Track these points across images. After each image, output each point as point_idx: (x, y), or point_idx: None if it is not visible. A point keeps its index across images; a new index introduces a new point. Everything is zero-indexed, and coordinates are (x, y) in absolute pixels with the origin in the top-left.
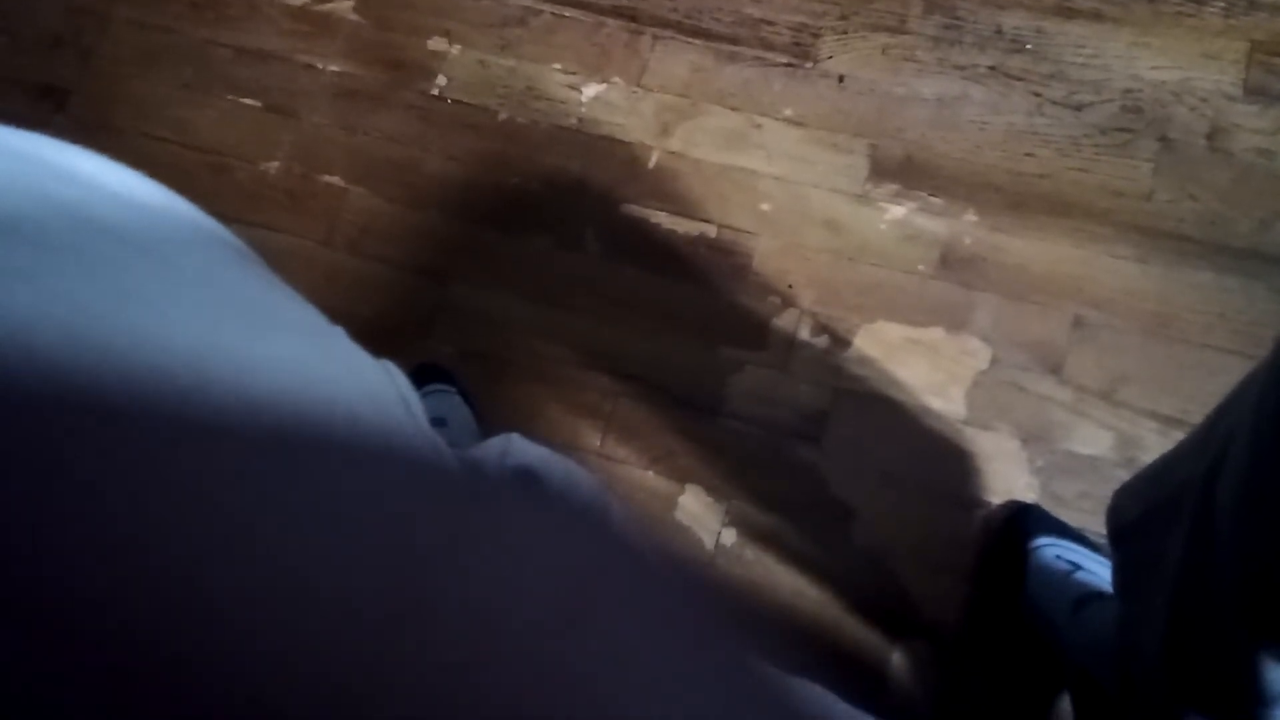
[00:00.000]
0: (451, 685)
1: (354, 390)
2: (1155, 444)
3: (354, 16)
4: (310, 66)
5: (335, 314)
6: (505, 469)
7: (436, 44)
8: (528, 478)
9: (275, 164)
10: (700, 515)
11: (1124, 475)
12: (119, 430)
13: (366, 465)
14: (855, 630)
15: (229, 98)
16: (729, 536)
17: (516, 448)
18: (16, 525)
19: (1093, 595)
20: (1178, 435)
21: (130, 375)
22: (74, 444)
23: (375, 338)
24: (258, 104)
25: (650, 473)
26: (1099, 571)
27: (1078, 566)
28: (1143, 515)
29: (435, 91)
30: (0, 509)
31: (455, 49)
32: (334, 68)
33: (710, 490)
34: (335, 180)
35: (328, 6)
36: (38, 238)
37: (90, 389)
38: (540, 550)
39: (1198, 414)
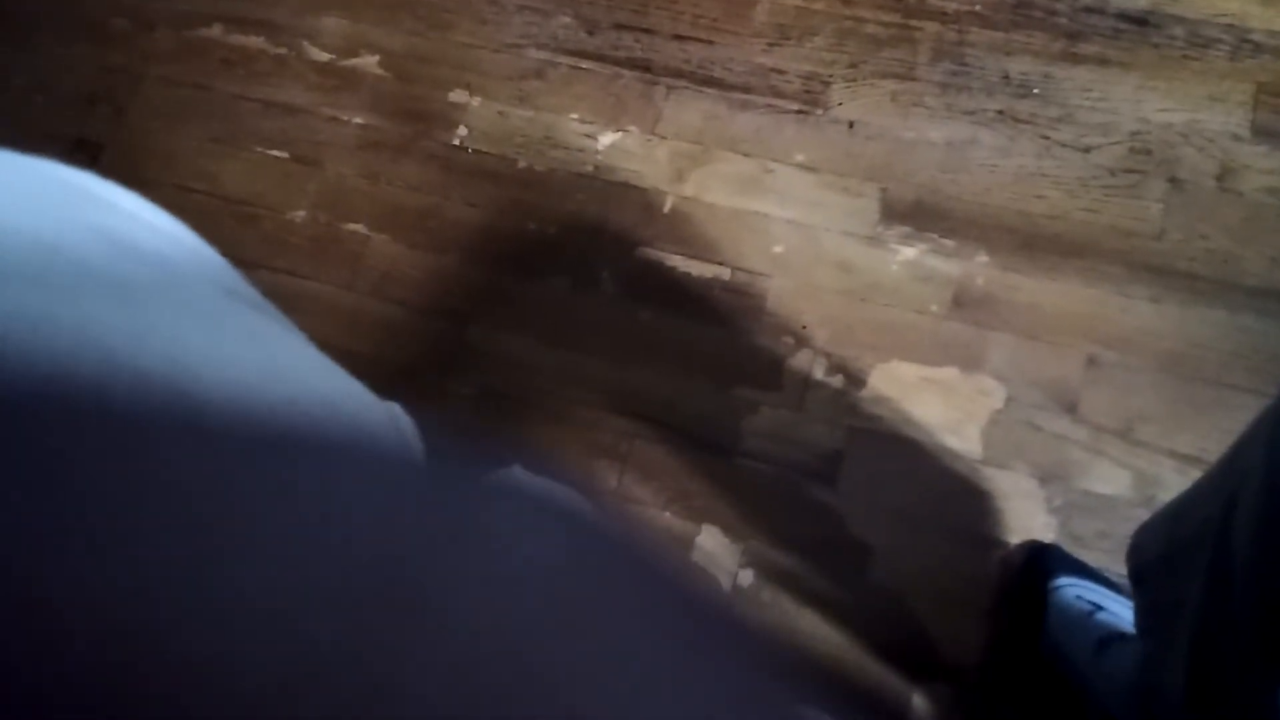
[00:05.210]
0: (444, 686)
1: (343, 394)
2: (1174, 482)
3: (378, 71)
4: (335, 119)
5: (357, 356)
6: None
7: (457, 96)
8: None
9: (301, 213)
10: (717, 556)
11: (1143, 514)
12: (125, 433)
13: (354, 464)
14: (875, 671)
15: (257, 149)
16: (746, 577)
17: (517, 479)
18: (15, 522)
19: (1115, 636)
20: (1196, 473)
21: (143, 388)
22: (80, 447)
23: (396, 379)
24: (284, 155)
25: (667, 513)
26: (1120, 612)
27: (1099, 607)
28: (1162, 555)
29: (456, 141)
30: (1, 508)
31: (475, 101)
32: (358, 120)
33: (727, 531)
34: (359, 228)
35: (353, 62)
36: (78, 260)
37: (103, 398)
38: (531, 548)
39: (1215, 452)
